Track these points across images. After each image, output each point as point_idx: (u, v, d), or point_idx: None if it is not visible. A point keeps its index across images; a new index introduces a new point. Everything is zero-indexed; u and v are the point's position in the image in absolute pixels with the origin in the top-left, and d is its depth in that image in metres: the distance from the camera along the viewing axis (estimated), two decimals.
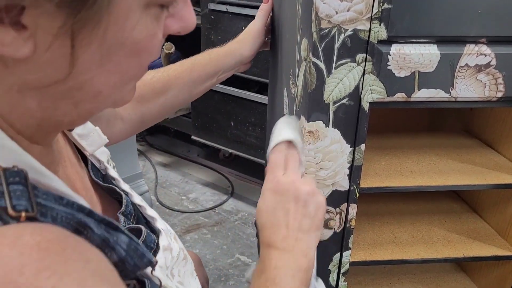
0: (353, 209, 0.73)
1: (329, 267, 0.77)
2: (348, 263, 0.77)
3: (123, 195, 0.50)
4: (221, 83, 1.88)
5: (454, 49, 0.62)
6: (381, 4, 0.59)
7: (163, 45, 2.08)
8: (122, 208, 0.49)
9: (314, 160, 0.68)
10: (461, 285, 0.94)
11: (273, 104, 0.99)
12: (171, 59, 2.17)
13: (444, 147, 0.89)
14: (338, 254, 0.76)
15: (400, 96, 0.64)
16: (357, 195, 0.72)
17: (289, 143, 0.61)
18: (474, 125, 0.95)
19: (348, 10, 0.59)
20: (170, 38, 2.12)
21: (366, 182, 0.73)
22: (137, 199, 0.52)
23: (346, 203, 0.72)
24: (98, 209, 0.48)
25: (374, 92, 0.64)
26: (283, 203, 0.55)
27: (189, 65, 0.83)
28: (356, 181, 0.71)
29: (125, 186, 0.52)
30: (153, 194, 1.98)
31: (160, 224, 0.52)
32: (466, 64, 0.63)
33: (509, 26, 0.61)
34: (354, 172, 0.70)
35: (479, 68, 0.63)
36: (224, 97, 1.86)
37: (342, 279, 0.78)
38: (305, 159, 0.66)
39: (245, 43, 0.87)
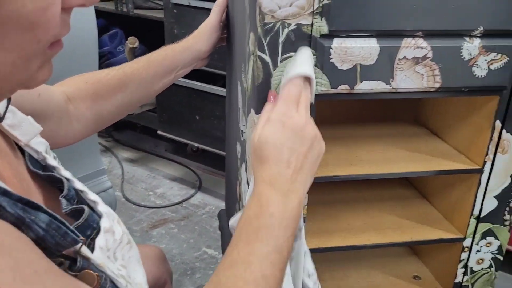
0: (305, 198, 0.75)
1: None
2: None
3: (64, 181, 0.51)
4: (185, 78, 1.88)
5: (393, 42, 0.65)
6: None
7: (127, 39, 2.07)
8: (64, 192, 0.49)
9: None
10: (413, 267, 0.98)
11: (230, 98, 1.00)
12: (136, 54, 2.16)
13: (394, 136, 0.92)
14: None
15: (343, 88, 0.67)
16: None
17: (306, 79, 0.58)
18: (422, 115, 0.99)
19: (290, 6, 0.61)
20: (134, 33, 2.10)
21: (317, 171, 0.76)
22: (79, 185, 0.53)
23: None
24: (36, 197, 0.48)
25: (318, 84, 0.66)
26: (292, 142, 0.53)
27: (145, 61, 0.84)
28: None
29: (65, 173, 0.53)
30: (119, 190, 1.97)
31: (102, 207, 0.52)
32: (405, 57, 0.66)
33: (443, 20, 0.65)
34: None
35: (416, 60, 0.66)
36: (189, 91, 1.86)
37: None
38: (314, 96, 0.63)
39: (200, 38, 0.88)
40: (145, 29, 2.14)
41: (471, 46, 0.67)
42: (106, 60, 2.21)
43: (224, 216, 1.16)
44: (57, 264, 0.41)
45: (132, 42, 2.08)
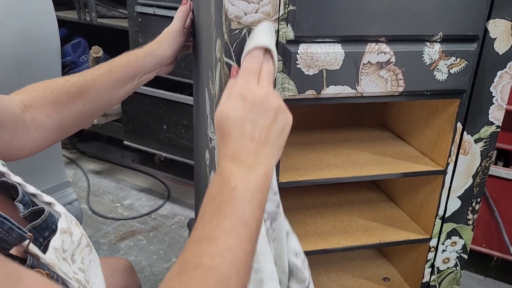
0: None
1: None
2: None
3: (18, 186, 0.49)
4: (152, 87, 1.86)
5: (357, 47, 0.67)
6: (286, 6, 0.62)
7: (91, 49, 2.03)
8: (19, 196, 0.48)
9: None
10: (382, 269, 1.00)
11: (198, 106, 1.00)
12: (99, 63, 2.12)
13: (360, 140, 0.94)
14: None
15: (310, 93, 0.68)
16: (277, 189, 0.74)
17: (267, 50, 0.56)
18: (387, 119, 1.01)
19: (256, 12, 0.62)
20: (98, 42, 2.06)
21: (286, 176, 0.76)
22: (31, 189, 0.51)
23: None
24: None
25: (286, 90, 0.67)
26: (253, 115, 0.51)
27: (106, 67, 0.82)
28: (276, 176, 0.73)
29: (16, 178, 0.51)
30: (85, 203, 1.92)
31: (59, 208, 0.51)
32: (369, 62, 0.67)
33: (405, 26, 0.67)
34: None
35: (380, 65, 0.68)
36: (156, 100, 1.84)
37: None
38: (277, 70, 0.62)
39: (163, 43, 0.87)
40: (109, 38, 2.10)
41: (431, 51, 0.69)
42: (69, 70, 2.16)
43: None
44: None
45: (96, 51, 2.04)
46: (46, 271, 0.44)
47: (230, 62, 0.64)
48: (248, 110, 0.51)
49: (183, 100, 1.79)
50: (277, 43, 0.64)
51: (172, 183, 2.11)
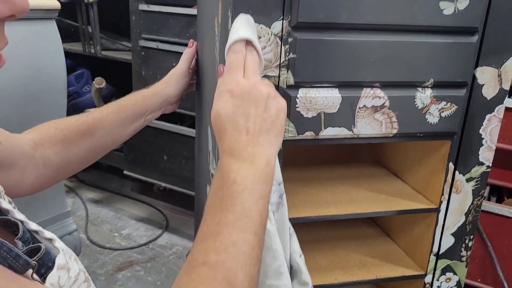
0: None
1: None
2: None
3: (19, 224, 0.51)
4: None
5: (353, 92, 0.70)
6: (287, 54, 0.66)
7: (94, 80, 2.08)
8: (19, 234, 0.49)
9: None
10: None
11: (200, 140, 1.03)
12: (102, 94, 2.17)
13: (357, 177, 0.97)
14: None
15: (309, 135, 0.71)
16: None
17: (248, 42, 0.56)
18: (382, 157, 1.05)
19: None
20: (101, 73, 2.11)
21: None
22: (33, 226, 0.53)
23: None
24: None
25: (286, 131, 0.70)
26: (243, 108, 0.52)
27: (115, 106, 0.86)
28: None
29: (20, 216, 0.53)
30: (84, 232, 1.93)
31: (58, 243, 0.52)
32: (364, 105, 0.71)
33: (398, 72, 0.71)
34: None
35: (375, 109, 0.72)
36: (157, 131, 1.88)
37: None
38: (263, 60, 0.62)
39: (170, 84, 0.91)
40: (112, 70, 2.16)
41: (423, 96, 0.73)
42: (72, 100, 2.21)
43: None
44: None
45: (99, 82, 2.09)
46: None
47: None
48: (238, 104, 0.52)
49: (184, 132, 1.82)
50: (278, 88, 0.68)
51: (171, 212, 2.13)
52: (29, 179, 0.73)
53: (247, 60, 0.55)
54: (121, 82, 2.12)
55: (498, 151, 0.81)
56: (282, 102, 0.55)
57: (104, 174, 2.44)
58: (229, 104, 0.52)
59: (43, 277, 0.48)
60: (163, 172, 1.92)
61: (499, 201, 1.42)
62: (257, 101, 0.53)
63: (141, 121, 0.88)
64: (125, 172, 2.03)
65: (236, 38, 0.56)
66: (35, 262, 0.44)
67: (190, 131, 1.80)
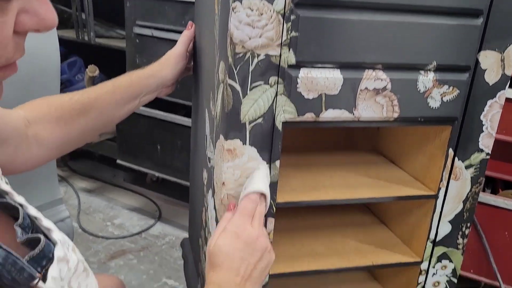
0: (271, 223, 0.77)
1: None
2: (268, 276, 0.80)
3: (19, 208, 0.50)
4: (147, 107, 1.87)
5: (355, 74, 0.69)
6: (289, 32, 0.65)
7: (87, 68, 2.05)
8: (19, 220, 0.48)
9: (233, 177, 0.72)
10: None
11: (196, 127, 1.02)
12: (95, 83, 2.14)
13: (355, 163, 0.96)
14: None
15: (309, 116, 0.70)
16: (274, 209, 0.76)
17: (262, 195, 0.66)
18: (380, 144, 1.04)
19: (260, 37, 0.65)
20: (94, 61, 2.09)
21: (283, 197, 0.78)
22: (33, 211, 0.52)
23: (264, 218, 0.76)
24: None
25: (286, 112, 0.69)
26: (243, 252, 0.58)
27: (110, 86, 0.84)
28: (273, 196, 0.75)
29: (19, 199, 0.52)
30: (76, 221, 1.91)
31: (56, 235, 0.51)
32: (366, 88, 0.70)
33: (401, 54, 0.70)
34: (271, 187, 0.74)
35: (377, 91, 0.71)
36: (151, 120, 1.86)
37: None
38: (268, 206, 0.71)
39: (166, 65, 0.90)
40: (105, 58, 2.13)
41: (426, 79, 0.72)
42: (64, 88, 2.18)
43: (188, 245, 1.15)
44: None
45: (92, 70, 2.06)
46: None
47: (233, 83, 0.67)
48: (240, 248, 0.59)
49: (178, 121, 1.80)
50: (279, 67, 0.67)
51: (164, 203, 2.11)
52: (22, 157, 0.71)
53: (257, 210, 0.63)
54: (114, 70, 2.09)
55: (494, 142, 0.81)
56: (273, 257, 0.63)
57: (96, 164, 2.42)
58: (232, 245, 0.59)
59: (44, 269, 0.47)
60: (156, 162, 1.90)
61: (494, 193, 1.42)
62: (256, 251, 0.59)
63: (136, 103, 0.87)
64: (118, 161, 2.01)
65: (255, 189, 0.65)
66: (39, 274, 0.44)
67: (184, 121, 1.78)
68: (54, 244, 0.51)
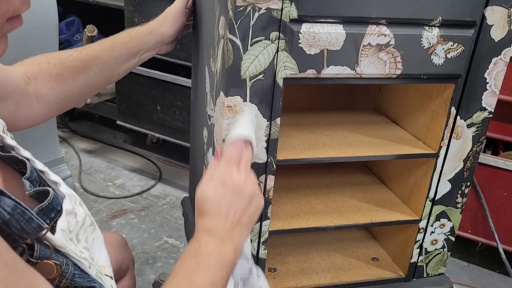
0: (271, 180, 0.77)
1: (250, 237, 0.81)
2: (268, 232, 0.81)
3: (27, 162, 0.50)
4: (146, 67, 1.85)
5: (358, 29, 0.68)
6: None
7: (85, 28, 2.01)
8: (27, 173, 0.49)
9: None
10: (372, 250, 1.02)
11: (196, 83, 1.01)
12: (94, 42, 2.10)
13: (355, 123, 0.96)
14: (258, 224, 0.80)
15: (311, 73, 0.69)
16: (274, 167, 0.76)
17: (247, 140, 0.65)
18: (381, 103, 1.03)
19: None
20: (92, 21, 2.04)
21: (283, 154, 0.78)
22: (40, 165, 0.52)
23: (264, 175, 0.76)
24: None
25: (287, 68, 0.68)
26: (230, 198, 0.58)
27: (109, 44, 0.83)
28: (273, 153, 0.75)
29: (26, 153, 0.52)
30: (77, 181, 1.92)
31: (64, 188, 0.52)
32: (369, 43, 0.69)
33: (405, 9, 0.68)
34: (271, 145, 0.74)
35: (380, 47, 0.69)
36: (150, 81, 1.84)
37: (262, 247, 0.83)
38: (255, 154, 0.71)
39: (165, 22, 0.88)
40: (103, 17, 2.09)
41: (430, 35, 0.70)
42: (62, 48, 2.14)
43: (188, 203, 1.16)
44: (19, 253, 0.41)
45: (91, 30, 2.02)
46: (56, 261, 0.45)
47: (234, 38, 0.65)
48: (227, 194, 0.58)
49: (178, 82, 1.79)
50: (280, 21, 0.65)
51: (164, 164, 2.12)
52: (23, 114, 0.71)
53: (243, 156, 0.62)
54: (113, 30, 2.05)
55: (496, 102, 0.80)
56: (262, 202, 0.62)
57: (96, 125, 2.41)
58: (219, 192, 0.58)
59: (53, 221, 0.48)
60: (156, 122, 1.90)
61: (495, 154, 1.42)
62: (243, 197, 0.59)
63: (135, 60, 0.86)
64: (118, 122, 2.00)
65: (239, 135, 0.64)
66: (47, 226, 0.44)
67: (184, 81, 1.76)
68: (62, 197, 0.51)
